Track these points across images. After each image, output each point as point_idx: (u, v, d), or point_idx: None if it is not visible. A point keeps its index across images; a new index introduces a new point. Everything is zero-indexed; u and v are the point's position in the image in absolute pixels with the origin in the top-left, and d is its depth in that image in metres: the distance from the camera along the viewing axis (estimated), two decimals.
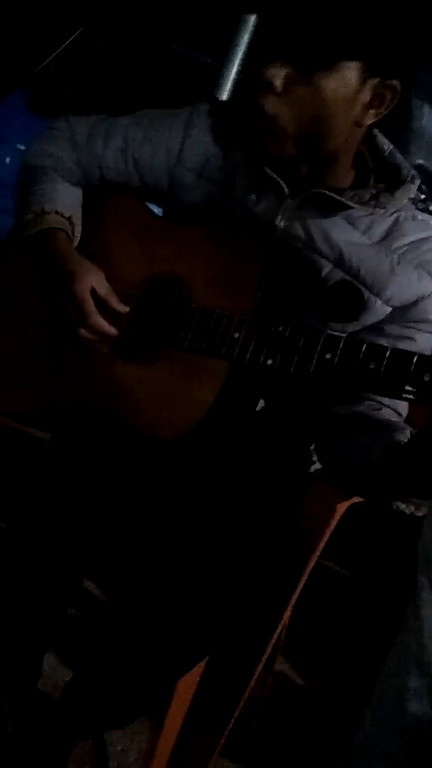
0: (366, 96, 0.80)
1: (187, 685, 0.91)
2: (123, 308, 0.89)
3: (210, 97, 2.03)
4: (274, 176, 0.86)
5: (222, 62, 2.15)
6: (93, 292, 0.87)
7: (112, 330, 0.88)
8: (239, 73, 2.10)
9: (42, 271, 0.92)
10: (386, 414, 0.87)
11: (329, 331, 0.84)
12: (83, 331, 0.88)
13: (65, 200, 0.95)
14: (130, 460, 0.90)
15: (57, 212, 0.92)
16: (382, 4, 0.77)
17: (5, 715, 0.92)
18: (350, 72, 0.77)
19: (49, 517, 0.85)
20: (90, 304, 0.87)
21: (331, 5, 0.75)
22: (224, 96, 2.14)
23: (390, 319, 0.88)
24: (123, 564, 0.92)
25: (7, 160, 2.40)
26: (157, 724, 0.93)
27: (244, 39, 2.07)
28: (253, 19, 2.06)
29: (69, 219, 0.94)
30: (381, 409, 0.87)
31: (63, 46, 2.48)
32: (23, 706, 0.95)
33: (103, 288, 0.88)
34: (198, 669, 0.91)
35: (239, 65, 2.08)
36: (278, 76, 0.78)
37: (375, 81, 0.79)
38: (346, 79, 0.77)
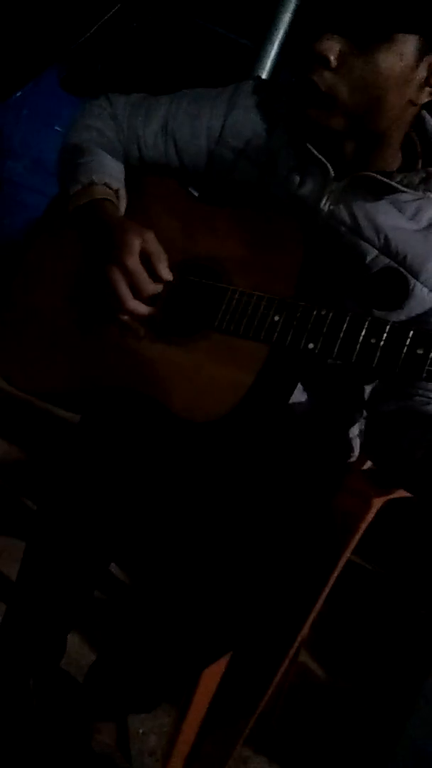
0: (422, 73, 0.77)
1: (213, 673, 0.91)
2: (167, 273, 0.86)
3: (254, 76, 2.00)
4: (320, 156, 0.84)
5: (261, 43, 2.10)
6: (142, 252, 0.84)
7: (164, 277, 0.84)
8: (278, 54, 2.06)
9: (90, 242, 0.90)
10: None
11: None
12: (132, 303, 0.84)
13: (112, 173, 0.93)
14: (161, 443, 0.89)
15: (105, 184, 0.91)
16: None
17: (29, 692, 0.93)
18: (408, 46, 0.74)
19: (78, 499, 0.85)
20: (144, 274, 0.84)
21: None
22: (263, 77, 2.10)
23: None
24: (151, 549, 0.91)
25: (41, 140, 2.39)
26: (181, 711, 0.93)
27: (285, 19, 2.03)
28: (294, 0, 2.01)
29: (116, 192, 0.92)
30: (430, 403, 0.85)
31: (99, 23, 2.45)
32: (47, 685, 0.95)
33: (154, 247, 0.85)
34: (223, 660, 0.90)
35: (279, 46, 2.04)
36: (333, 49, 0.75)
37: None
38: (404, 53, 0.75)
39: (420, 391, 0.85)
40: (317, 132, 0.82)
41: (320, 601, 0.92)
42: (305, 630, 0.99)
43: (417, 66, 0.76)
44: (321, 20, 0.76)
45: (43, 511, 0.89)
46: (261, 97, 0.90)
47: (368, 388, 0.97)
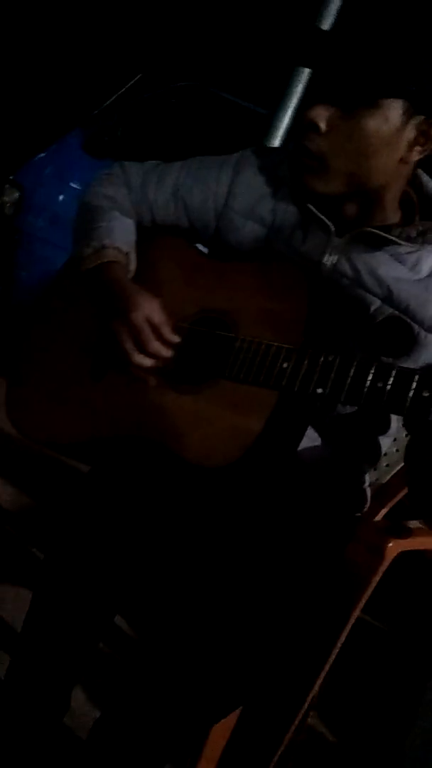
0: (410, 134, 0.81)
1: (221, 732, 0.88)
2: (174, 338, 0.89)
3: (258, 143, 2.09)
4: (320, 215, 0.87)
5: (274, 111, 2.21)
6: (148, 320, 0.88)
7: (167, 353, 0.88)
8: (291, 123, 2.16)
9: (99, 301, 0.94)
10: None
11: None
12: (138, 357, 0.88)
13: (124, 237, 0.98)
14: (170, 492, 0.89)
15: (116, 247, 0.95)
16: (422, 43, 0.78)
17: (32, 748, 0.90)
18: (393, 110, 0.79)
19: (85, 549, 0.84)
20: (148, 330, 0.87)
21: (370, 45, 0.77)
22: (276, 144, 2.20)
23: None
24: (159, 602, 0.90)
25: (61, 197, 2.49)
26: None
27: (298, 90, 2.14)
28: (307, 71, 2.12)
29: (126, 255, 0.96)
30: None
31: (121, 91, 2.58)
32: (49, 741, 0.92)
33: (158, 316, 0.89)
34: (232, 718, 0.87)
35: (291, 115, 2.14)
36: (321, 116, 0.80)
37: (419, 119, 0.81)
38: (389, 117, 0.79)
39: None
40: (317, 195, 0.86)
41: (333, 656, 0.90)
42: (315, 689, 0.96)
43: (404, 127, 0.80)
44: (313, 90, 0.81)
45: (49, 560, 0.88)
46: (264, 161, 0.95)
47: (383, 440, 0.97)
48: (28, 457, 1.89)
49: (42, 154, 2.53)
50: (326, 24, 1.97)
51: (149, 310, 0.88)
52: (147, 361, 0.88)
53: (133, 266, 0.97)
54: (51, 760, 0.91)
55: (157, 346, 0.88)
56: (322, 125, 0.80)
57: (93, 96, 2.63)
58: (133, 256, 0.97)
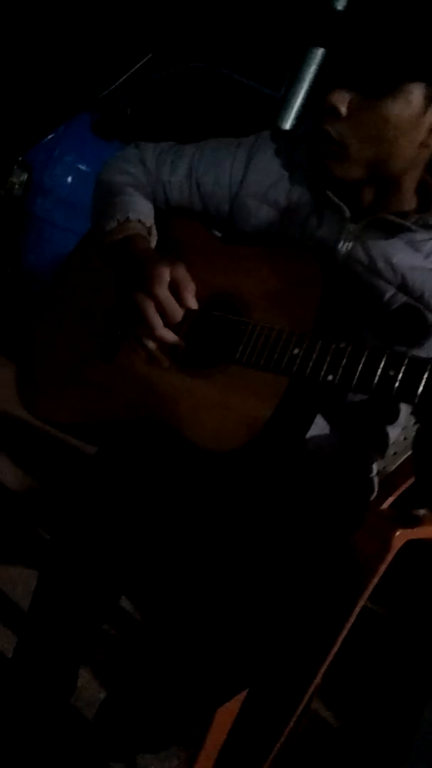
0: (431, 117, 0.80)
1: (226, 715, 0.89)
2: (193, 302, 0.87)
3: (273, 126, 2.06)
4: (337, 201, 0.86)
5: (286, 93, 2.18)
6: (171, 282, 0.86)
7: (190, 305, 0.86)
8: (303, 105, 2.13)
9: (122, 273, 0.93)
10: None
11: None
12: (158, 329, 0.86)
13: (145, 210, 0.97)
14: (178, 475, 0.89)
15: (139, 221, 0.94)
16: None
17: (39, 728, 0.91)
18: (414, 94, 0.78)
19: (91, 530, 0.84)
20: (170, 298, 0.85)
21: (391, 29, 0.76)
22: (287, 127, 2.17)
23: None
24: (165, 585, 0.90)
25: (69, 179, 2.48)
26: (192, 753, 0.90)
27: (311, 71, 2.10)
28: (320, 52, 2.09)
29: (149, 229, 0.96)
30: None
31: (130, 72, 2.55)
32: (56, 721, 0.93)
33: (183, 275, 0.87)
34: (237, 700, 0.88)
35: (304, 97, 2.11)
36: (343, 101, 0.79)
37: None
38: (411, 101, 0.78)
39: None
40: (335, 180, 0.85)
41: (338, 643, 0.90)
42: (320, 674, 0.97)
43: (425, 111, 0.79)
44: (332, 73, 0.80)
45: (55, 541, 0.89)
46: (279, 145, 0.94)
47: (391, 430, 0.97)
48: (34, 439, 1.90)
49: (51, 135, 2.51)
50: (341, 4, 1.94)
51: (174, 272, 0.86)
52: (170, 335, 0.87)
53: (155, 240, 0.96)
54: (58, 738, 0.93)
55: (177, 312, 0.86)
56: (343, 110, 0.79)
57: (102, 77, 2.60)
58: (154, 230, 0.96)
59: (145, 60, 2.55)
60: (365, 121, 0.79)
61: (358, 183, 0.85)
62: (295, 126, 2.16)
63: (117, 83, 2.56)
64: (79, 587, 0.86)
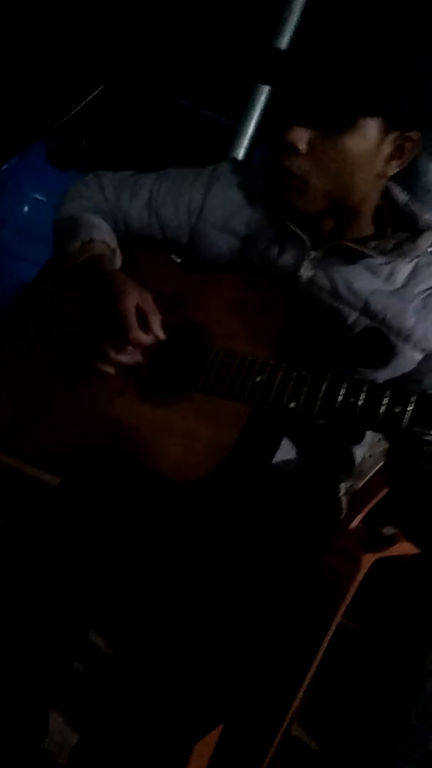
0: (387, 149, 0.83)
1: (204, 750, 0.87)
2: (159, 331, 0.87)
3: (231, 157, 2.09)
4: (297, 231, 0.88)
5: (238, 121, 2.22)
6: (138, 309, 0.86)
7: (149, 341, 0.86)
8: (255, 132, 2.17)
9: (87, 292, 0.93)
10: None
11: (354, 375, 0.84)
12: (117, 351, 0.86)
13: (109, 233, 0.97)
14: (143, 504, 0.88)
15: (103, 241, 0.94)
16: (394, 60, 0.80)
17: None
18: (371, 128, 0.80)
19: (56, 566, 0.83)
20: (134, 318, 0.86)
21: (346, 68, 0.79)
22: (241, 154, 2.21)
23: (426, 369, 0.88)
24: (134, 619, 0.89)
25: (26, 209, 2.47)
26: None
27: (261, 100, 2.15)
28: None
29: (113, 251, 0.96)
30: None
31: (85, 101, 2.57)
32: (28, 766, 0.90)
33: (149, 306, 0.87)
34: (215, 734, 0.86)
35: (255, 125, 2.16)
36: (301, 138, 0.81)
37: (395, 134, 0.82)
38: (368, 135, 0.81)
39: None
40: (296, 212, 0.87)
41: (314, 666, 0.89)
42: (297, 700, 0.96)
43: (382, 143, 0.82)
44: (290, 111, 0.82)
45: (18, 577, 0.87)
46: (238, 175, 0.96)
47: (357, 450, 0.98)
48: None
49: (5, 166, 2.50)
50: (283, 42, 1.99)
51: (140, 298, 0.87)
52: (124, 358, 0.86)
53: (119, 262, 0.96)
54: None
55: (140, 335, 0.85)
56: (302, 147, 0.81)
57: (56, 106, 2.61)
58: (119, 252, 0.97)
59: (98, 90, 2.58)
60: (324, 157, 0.81)
61: (319, 214, 0.87)
62: (248, 154, 2.20)
63: (72, 113, 2.58)
64: (44, 624, 0.84)
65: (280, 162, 0.83)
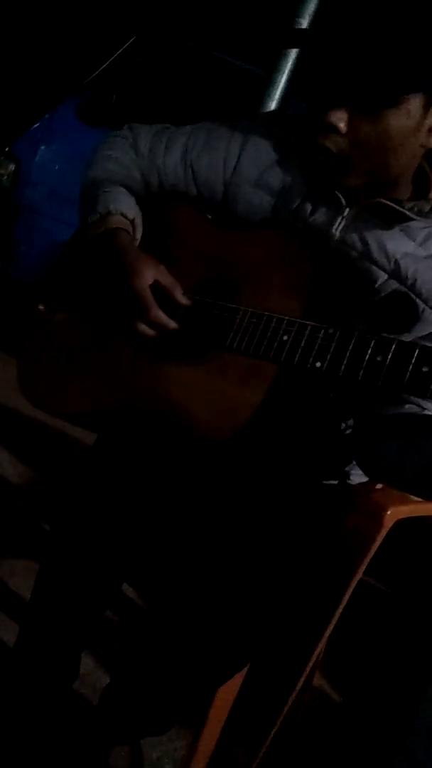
0: (430, 121, 0.80)
1: (227, 694, 0.90)
2: (185, 300, 0.89)
3: (266, 111, 2.03)
4: (333, 191, 0.86)
5: (270, 72, 2.15)
6: (155, 284, 0.88)
7: (171, 323, 0.87)
8: (288, 82, 2.10)
9: (104, 268, 0.93)
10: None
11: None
12: (141, 325, 0.87)
13: (129, 203, 0.96)
14: (174, 463, 0.90)
15: (122, 214, 0.94)
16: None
17: (43, 714, 0.93)
18: (413, 104, 0.78)
19: (90, 519, 0.86)
20: (150, 298, 0.87)
21: (385, 46, 0.75)
22: (272, 106, 2.15)
23: None
24: (164, 570, 0.92)
25: (56, 167, 2.46)
26: (195, 733, 0.92)
27: (293, 50, 2.07)
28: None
29: (132, 221, 0.95)
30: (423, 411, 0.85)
31: (114, 56, 2.52)
32: (60, 707, 0.95)
33: (166, 279, 0.88)
34: (238, 679, 0.90)
35: (288, 76, 2.09)
36: (342, 119, 0.78)
37: None
38: (411, 111, 0.78)
39: (413, 400, 0.86)
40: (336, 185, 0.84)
41: (334, 621, 0.91)
42: (320, 652, 0.98)
43: (424, 117, 0.79)
44: (328, 91, 0.79)
45: (56, 531, 0.90)
46: (273, 130, 0.94)
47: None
48: (33, 432, 1.91)
49: (36, 124, 2.48)
50: (305, 22, 1.89)
51: (155, 275, 0.87)
52: (150, 330, 0.88)
53: (139, 232, 0.96)
54: (62, 724, 0.94)
55: (158, 313, 0.87)
56: (343, 127, 0.79)
57: (86, 62, 2.57)
58: (138, 221, 0.96)
59: (128, 43, 2.52)
60: (366, 136, 0.79)
61: (359, 186, 0.85)
62: (281, 105, 2.14)
63: (101, 68, 2.53)
64: (80, 576, 0.87)
65: (319, 141, 0.81)
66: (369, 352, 0.75)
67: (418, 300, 0.85)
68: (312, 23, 2.03)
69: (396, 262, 0.85)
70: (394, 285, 0.85)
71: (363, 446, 0.88)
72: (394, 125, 0.78)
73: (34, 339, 1.05)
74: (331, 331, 0.78)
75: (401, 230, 0.85)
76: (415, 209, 0.85)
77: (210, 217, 1.00)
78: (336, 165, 0.82)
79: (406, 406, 0.86)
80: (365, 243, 0.86)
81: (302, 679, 0.95)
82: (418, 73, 0.76)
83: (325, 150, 0.81)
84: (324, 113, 0.79)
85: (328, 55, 0.79)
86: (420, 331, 0.86)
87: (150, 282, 0.87)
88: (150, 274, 0.87)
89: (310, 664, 0.95)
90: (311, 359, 0.78)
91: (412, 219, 0.84)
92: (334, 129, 0.79)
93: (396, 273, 0.85)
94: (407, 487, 0.85)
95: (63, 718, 0.95)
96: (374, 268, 0.86)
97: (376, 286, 0.86)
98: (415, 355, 0.73)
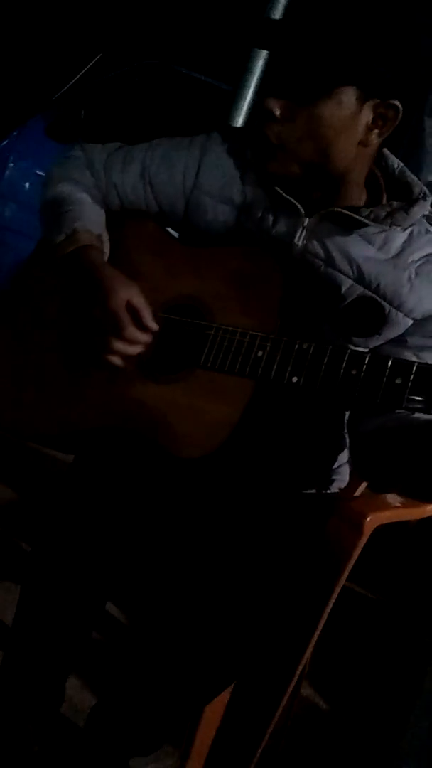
0: (367, 117, 0.83)
1: (215, 710, 0.90)
2: (153, 324, 0.89)
3: (224, 124, 2.06)
4: (289, 198, 0.88)
5: (236, 88, 2.18)
6: (128, 305, 0.87)
7: (146, 339, 0.87)
8: (254, 98, 2.13)
9: (76, 287, 0.93)
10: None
11: (353, 347, 0.84)
12: (117, 344, 0.87)
13: (94, 219, 0.96)
14: (153, 482, 0.90)
15: (87, 230, 0.94)
16: (369, 28, 0.79)
17: (30, 739, 0.91)
18: (346, 96, 0.80)
19: (73, 540, 0.85)
20: (126, 316, 0.87)
21: (319, 38, 0.79)
22: (239, 122, 2.17)
23: (411, 331, 0.88)
24: (147, 588, 0.91)
25: (27, 185, 2.45)
26: (184, 751, 0.91)
27: (258, 65, 2.11)
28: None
29: (99, 237, 0.95)
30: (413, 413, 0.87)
31: (81, 73, 2.53)
32: (47, 731, 0.94)
33: (137, 300, 0.88)
34: (225, 694, 0.90)
35: (254, 91, 2.12)
36: (278, 106, 0.82)
37: (374, 102, 0.82)
38: (343, 103, 0.81)
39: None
40: (279, 177, 0.87)
41: (319, 630, 0.92)
42: (306, 661, 0.99)
43: (359, 111, 0.82)
44: (270, 79, 0.81)
45: (37, 552, 0.89)
46: (230, 143, 0.95)
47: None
48: (10, 449, 1.88)
49: (4, 142, 2.48)
50: (277, 9, 1.94)
51: (128, 294, 0.87)
52: (127, 349, 0.87)
53: (107, 248, 0.96)
54: (49, 750, 0.93)
55: (135, 333, 0.87)
56: (278, 113, 0.82)
57: (53, 79, 2.57)
58: (105, 237, 0.96)
59: (95, 60, 2.53)
60: (301, 124, 0.82)
61: (302, 180, 0.87)
62: (247, 120, 2.16)
63: (69, 85, 2.54)
64: (64, 597, 0.87)
65: (262, 129, 0.84)
66: (344, 365, 0.76)
67: (383, 302, 0.87)
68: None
69: (359, 267, 0.87)
70: (359, 290, 0.87)
71: (357, 451, 0.89)
72: (327, 116, 0.81)
73: (1, 358, 1.03)
74: (305, 345, 0.79)
75: (360, 236, 0.88)
76: (372, 215, 0.87)
77: (173, 232, 1.00)
78: (273, 153, 0.85)
79: (396, 411, 0.87)
80: (327, 251, 0.88)
81: (290, 688, 0.96)
82: (351, 66, 0.79)
83: (265, 138, 0.84)
84: (263, 100, 0.83)
85: (273, 48, 0.83)
86: (391, 333, 0.88)
87: (124, 302, 0.87)
88: (123, 293, 0.87)
89: (298, 672, 0.95)
90: (287, 374, 0.79)
91: (369, 225, 0.87)
92: (272, 116, 0.82)
93: (360, 278, 0.87)
94: (403, 490, 0.86)
95: (50, 741, 0.93)
96: (338, 274, 0.88)
97: (342, 292, 0.88)
98: (388, 367, 0.74)
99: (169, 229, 1.01)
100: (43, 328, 1.01)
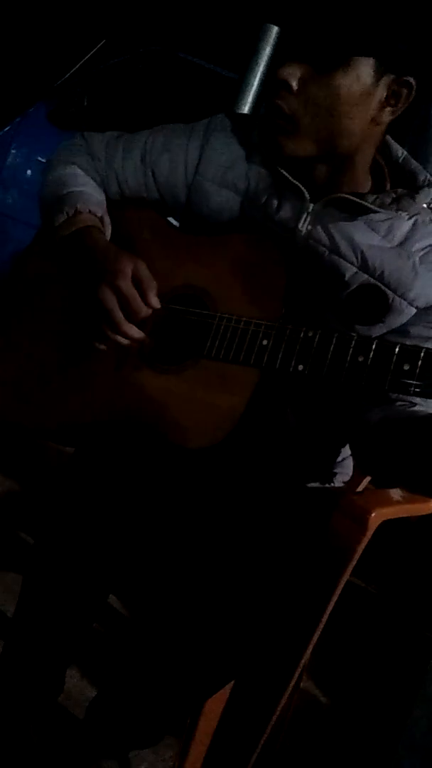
0: (381, 93, 0.81)
1: (216, 704, 0.90)
2: (156, 302, 0.86)
3: (227, 109, 2.03)
4: (294, 181, 0.86)
5: (243, 75, 2.15)
6: (133, 277, 0.85)
7: (153, 305, 0.85)
8: (260, 86, 2.11)
9: (77, 268, 0.91)
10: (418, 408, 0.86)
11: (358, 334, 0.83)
12: (125, 326, 0.84)
13: (96, 201, 0.95)
14: (156, 473, 0.89)
15: (90, 211, 0.92)
16: (393, 1, 0.77)
17: (28, 730, 0.91)
18: (364, 68, 0.78)
19: (74, 531, 0.84)
20: (132, 290, 0.84)
21: (341, 6, 0.77)
22: (246, 109, 2.15)
23: (414, 320, 0.87)
24: (150, 580, 0.91)
25: (29, 172, 2.43)
26: (184, 744, 0.91)
27: (266, 52, 2.08)
28: (275, 31, 2.06)
29: (101, 218, 0.94)
30: (413, 406, 0.86)
31: (84, 59, 2.50)
32: (46, 722, 0.94)
33: (144, 273, 0.86)
34: (226, 688, 0.89)
35: (261, 78, 2.09)
36: (294, 75, 0.79)
37: (390, 78, 0.80)
38: (361, 75, 0.78)
39: (401, 397, 0.86)
40: (289, 158, 0.85)
41: (322, 624, 0.91)
42: (307, 656, 0.98)
43: (375, 86, 0.80)
44: (285, 48, 0.80)
45: (39, 543, 0.88)
46: (234, 128, 0.93)
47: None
48: (12, 441, 1.88)
49: (6, 128, 2.46)
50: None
51: (136, 269, 0.85)
52: (135, 331, 0.85)
53: (108, 229, 0.95)
54: (48, 740, 0.93)
55: (145, 312, 0.85)
56: (294, 83, 0.79)
57: (56, 66, 2.55)
58: (107, 219, 0.95)
59: (98, 46, 2.50)
60: (315, 95, 0.80)
61: (311, 160, 0.85)
62: (253, 109, 2.14)
63: (71, 71, 2.51)
64: (66, 588, 0.86)
65: (274, 101, 0.82)
66: (350, 352, 0.75)
67: (387, 290, 0.86)
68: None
69: (363, 254, 0.85)
70: (362, 277, 0.86)
71: (359, 445, 0.88)
72: (343, 87, 0.79)
73: (1, 352, 1.02)
74: (310, 333, 0.78)
75: (365, 223, 0.86)
76: (377, 202, 0.86)
77: (174, 221, 0.99)
78: (287, 127, 0.82)
79: (397, 403, 0.86)
80: (332, 237, 0.87)
81: (292, 682, 0.95)
82: (370, 37, 0.77)
83: (278, 109, 0.82)
84: (278, 69, 0.80)
85: (288, 17, 0.81)
86: (394, 322, 0.87)
87: (130, 275, 0.85)
88: (128, 268, 0.85)
89: (299, 667, 0.95)
90: (293, 362, 0.78)
91: (374, 211, 0.85)
92: (287, 86, 0.80)
93: (364, 265, 0.86)
94: (406, 484, 0.85)
95: (48, 732, 0.93)
96: (342, 261, 0.86)
97: (346, 279, 0.86)
98: (396, 353, 0.73)
99: (171, 219, 1.00)
100: (43, 317, 0.99)
